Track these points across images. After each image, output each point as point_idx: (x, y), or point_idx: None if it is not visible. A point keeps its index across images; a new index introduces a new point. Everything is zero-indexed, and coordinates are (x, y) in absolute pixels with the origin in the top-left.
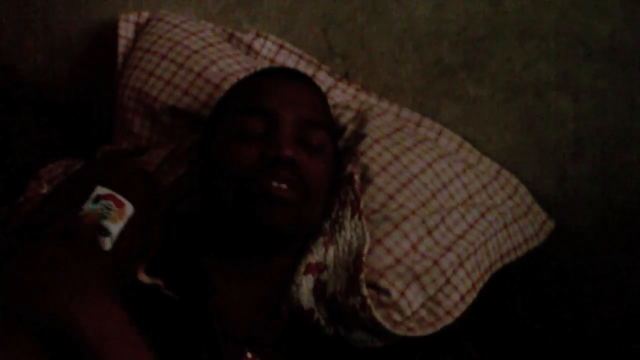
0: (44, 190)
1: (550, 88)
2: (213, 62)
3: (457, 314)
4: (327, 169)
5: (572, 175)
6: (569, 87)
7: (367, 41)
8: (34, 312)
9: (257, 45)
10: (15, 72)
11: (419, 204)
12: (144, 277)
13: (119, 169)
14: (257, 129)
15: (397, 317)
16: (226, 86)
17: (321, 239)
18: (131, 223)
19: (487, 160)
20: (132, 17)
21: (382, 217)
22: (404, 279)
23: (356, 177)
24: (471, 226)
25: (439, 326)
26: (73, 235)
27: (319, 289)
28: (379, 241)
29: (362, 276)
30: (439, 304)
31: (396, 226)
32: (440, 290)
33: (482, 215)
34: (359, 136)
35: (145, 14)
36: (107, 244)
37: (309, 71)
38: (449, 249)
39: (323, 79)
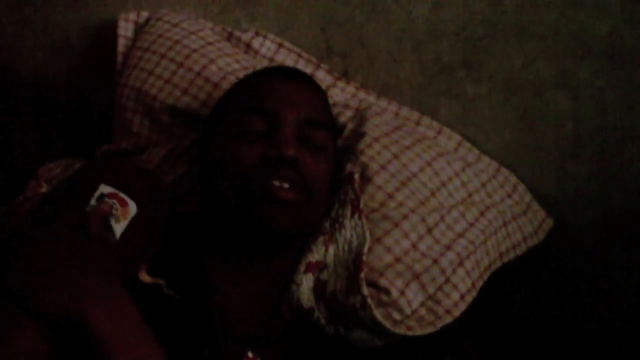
0: (43, 190)
1: (549, 87)
2: (212, 61)
3: (457, 313)
4: (329, 169)
5: (571, 174)
6: (568, 86)
7: (366, 40)
8: (44, 305)
9: (256, 44)
10: (14, 71)
11: (419, 203)
12: (145, 277)
13: (121, 167)
14: (258, 128)
15: (397, 316)
16: (225, 85)
17: (321, 238)
18: (134, 222)
19: (486, 159)
20: (132, 16)
21: (381, 215)
22: (404, 278)
23: (356, 176)
24: (471, 225)
25: (439, 325)
26: (83, 228)
27: (319, 288)
28: (378, 240)
29: (362, 275)
30: (438, 302)
31: (396, 225)
32: (440, 289)
33: (482, 214)
34: (358, 135)
35: (145, 14)
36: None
37: (308, 70)
38: (448, 248)
39: (322, 78)
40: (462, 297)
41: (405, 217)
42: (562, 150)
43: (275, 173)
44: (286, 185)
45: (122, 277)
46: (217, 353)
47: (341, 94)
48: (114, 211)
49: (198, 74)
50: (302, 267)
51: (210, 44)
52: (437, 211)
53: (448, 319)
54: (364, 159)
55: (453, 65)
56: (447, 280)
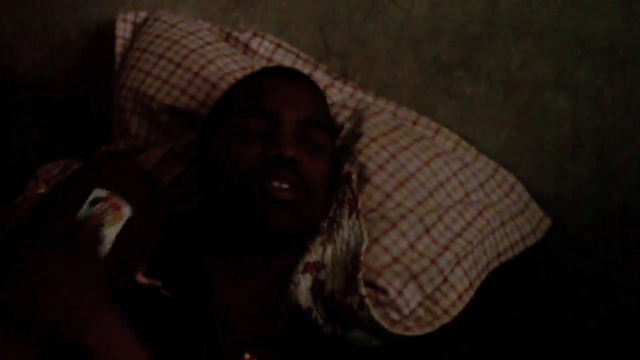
0: (42, 191)
1: (547, 86)
2: (211, 62)
3: (455, 313)
4: (327, 169)
5: (570, 174)
6: (567, 85)
7: (364, 40)
8: (37, 322)
9: (254, 44)
10: (14, 71)
11: (417, 203)
12: (142, 279)
13: (117, 169)
14: (257, 129)
15: (395, 316)
16: (224, 85)
17: (319, 239)
18: (130, 224)
19: (484, 159)
20: (130, 17)
21: (379, 216)
22: (402, 278)
23: (354, 176)
24: (469, 224)
25: (437, 325)
26: (73, 238)
27: (317, 288)
28: (376, 240)
29: (360, 275)
30: (436, 303)
31: (394, 225)
32: (438, 289)
33: (480, 214)
34: (356, 135)
35: (143, 14)
36: (103, 249)
37: (307, 70)
38: (446, 248)
39: (320, 78)
40: (460, 297)
41: (403, 217)
42: (560, 150)
43: (274, 173)
44: (285, 186)
45: (118, 280)
46: (217, 354)
47: (339, 94)
48: (106, 216)
49: (196, 74)
50: (301, 268)
51: (208, 44)
52: (435, 211)
53: (446, 319)
54: (362, 159)
55: (451, 65)
56: (445, 281)
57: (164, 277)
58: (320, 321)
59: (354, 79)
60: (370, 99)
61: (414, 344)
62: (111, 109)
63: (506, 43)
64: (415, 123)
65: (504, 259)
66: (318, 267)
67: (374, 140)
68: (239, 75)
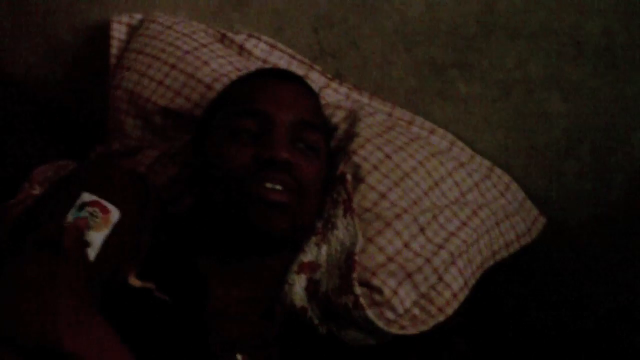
0: (36, 192)
1: (542, 86)
2: (205, 63)
3: (449, 311)
4: (321, 170)
5: (564, 173)
6: (560, 85)
7: (358, 41)
8: (16, 334)
9: (249, 45)
10: (8, 73)
11: (411, 202)
12: (134, 281)
13: (106, 173)
14: (250, 130)
15: (389, 315)
16: (218, 87)
17: (314, 238)
18: (118, 228)
19: (479, 158)
20: (125, 18)
21: (374, 215)
22: (397, 277)
23: (348, 176)
24: (463, 224)
25: (432, 324)
26: (57, 245)
27: (311, 288)
28: (371, 240)
29: (355, 275)
30: (431, 301)
31: (388, 224)
32: (432, 288)
33: (474, 213)
34: (350, 135)
35: (138, 16)
36: (91, 254)
37: (301, 71)
38: (441, 247)
39: (315, 79)
40: (455, 295)
41: (397, 216)
42: (555, 150)
43: (268, 175)
44: (278, 188)
45: (108, 283)
46: (209, 356)
47: (334, 95)
48: (95, 220)
49: (191, 75)
50: (295, 268)
51: (203, 45)
52: (430, 210)
53: (441, 318)
54: (356, 159)
55: (446, 65)
56: (440, 279)
57: (157, 279)
58: (315, 321)
59: (348, 80)
60: (365, 99)
61: (409, 343)
62: (106, 110)
63: (501, 43)
64: (410, 123)
65: (498, 257)
66: (312, 267)
67: (368, 140)
68: (234, 76)
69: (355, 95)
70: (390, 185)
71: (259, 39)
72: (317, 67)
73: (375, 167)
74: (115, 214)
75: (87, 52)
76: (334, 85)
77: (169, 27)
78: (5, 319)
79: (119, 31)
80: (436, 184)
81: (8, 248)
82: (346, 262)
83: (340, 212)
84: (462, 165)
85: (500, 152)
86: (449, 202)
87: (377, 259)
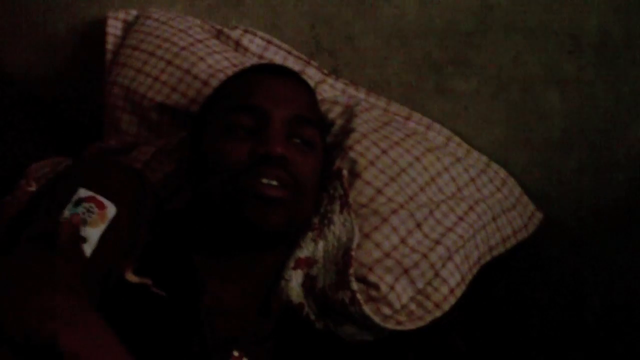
0: (32, 189)
1: (537, 82)
2: (201, 59)
3: (446, 307)
4: (317, 165)
5: (560, 168)
6: (557, 80)
7: (354, 37)
8: (11, 329)
9: (245, 41)
10: (2, 70)
11: (408, 198)
12: (131, 276)
13: (102, 168)
14: (246, 126)
15: (386, 311)
16: (214, 82)
17: (310, 234)
18: (115, 223)
19: (475, 153)
20: (121, 14)
21: (370, 211)
22: (393, 273)
23: (344, 172)
24: (460, 219)
25: (428, 319)
26: (52, 242)
27: (308, 283)
28: (367, 235)
29: (351, 271)
30: (428, 297)
31: (385, 220)
32: (429, 283)
33: (471, 208)
34: (347, 131)
35: (134, 12)
36: (87, 249)
37: (297, 67)
38: (437, 242)
39: (311, 75)
40: (452, 291)
41: (394, 212)
42: (551, 145)
43: (264, 171)
44: (274, 183)
45: (105, 279)
46: (205, 352)
47: (330, 91)
48: (91, 215)
49: (187, 71)
50: (291, 263)
51: (199, 41)
52: (426, 206)
53: (437, 313)
54: (352, 154)
55: (442, 61)
56: (437, 275)
57: (154, 274)
58: (312, 316)
59: (344, 76)
60: (361, 95)
61: (406, 338)
62: (102, 106)
63: (497, 39)
64: (406, 118)
65: (495, 253)
66: (309, 262)
67: (364, 135)
68: (230, 72)
69: (351, 91)
70: (387, 181)
71: (254, 34)
72: (314, 63)
73: (372, 163)
74: (111, 210)
75: (83, 48)
76: (330, 81)
77: (165, 23)
78: (1, 316)
79: (114, 27)
80: (432, 179)
81: (4, 244)
82: (343, 257)
83: (336, 207)
84: (458, 160)
85: (497, 148)
86: (446, 198)
87: (373, 255)
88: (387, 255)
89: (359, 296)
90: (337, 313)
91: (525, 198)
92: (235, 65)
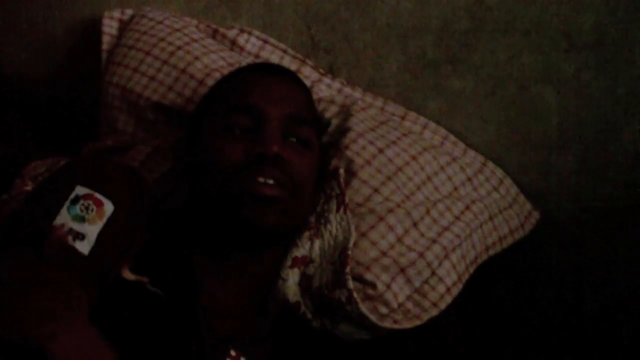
0: (28, 188)
1: (533, 81)
2: (197, 58)
3: (443, 305)
4: (313, 165)
5: (556, 167)
6: (553, 79)
7: (351, 36)
8: (5, 331)
9: (241, 40)
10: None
11: (404, 197)
12: (128, 274)
13: (100, 166)
14: (242, 125)
15: (383, 309)
16: (210, 82)
17: (307, 233)
18: (112, 221)
19: (472, 153)
20: (116, 14)
21: (367, 210)
22: (390, 272)
23: (341, 171)
24: (457, 218)
25: (425, 318)
26: (44, 245)
27: (305, 282)
28: (364, 234)
29: (348, 269)
30: (424, 296)
31: (381, 219)
32: (426, 282)
33: (468, 207)
34: (343, 130)
35: (129, 11)
36: (85, 247)
37: (294, 66)
38: (434, 241)
39: (308, 74)
40: (448, 290)
41: (390, 211)
42: (547, 144)
43: (260, 170)
44: (270, 182)
45: (102, 276)
46: (202, 351)
47: (327, 90)
48: (89, 213)
49: (183, 71)
50: (288, 262)
51: (195, 41)
52: (423, 205)
53: (434, 312)
54: (349, 153)
55: (438, 60)
56: (433, 274)
57: (151, 273)
58: (309, 315)
59: (340, 75)
60: (357, 94)
61: (403, 337)
62: (98, 105)
63: (493, 38)
64: (402, 118)
65: (492, 252)
66: (306, 261)
67: (361, 135)
68: (226, 71)
69: (348, 90)
70: (383, 180)
71: (250, 34)
72: (310, 62)
73: (368, 162)
74: (109, 207)
75: (77, 47)
76: (327, 80)
77: (160, 22)
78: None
79: (110, 27)
80: (429, 178)
81: (1, 243)
82: (339, 256)
83: (333, 206)
84: (455, 159)
85: (493, 147)
86: (442, 197)
87: (370, 254)
88: (384, 254)
89: (355, 295)
90: (334, 312)
91: (521, 197)
92: (231, 65)
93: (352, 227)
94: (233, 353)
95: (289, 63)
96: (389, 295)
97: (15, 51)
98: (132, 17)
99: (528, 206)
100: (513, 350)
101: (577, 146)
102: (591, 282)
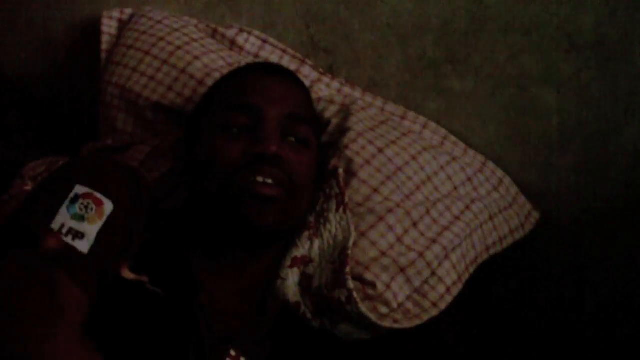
0: (28, 188)
1: (533, 81)
2: (197, 58)
3: (443, 305)
4: (312, 164)
5: (556, 167)
6: (553, 80)
7: (350, 35)
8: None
9: (240, 40)
10: None
11: (404, 197)
12: (128, 274)
13: (99, 165)
14: (241, 125)
15: (383, 309)
16: (210, 82)
17: (306, 233)
18: (112, 220)
19: (471, 153)
20: (116, 13)
21: (366, 210)
22: (390, 272)
23: (340, 170)
24: (456, 218)
25: (425, 318)
26: (39, 249)
27: (304, 282)
28: (363, 234)
29: (348, 269)
30: (424, 295)
31: (381, 219)
32: (425, 282)
33: (468, 207)
34: (343, 130)
35: (129, 11)
36: (85, 246)
37: (293, 66)
38: (434, 241)
39: (307, 74)
40: (448, 290)
41: (390, 210)
42: (547, 144)
43: (258, 169)
44: (269, 181)
45: (101, 275)
46: (202, 351)
47: (326, 90)
48: (89, 212)
49: (182, 70)
50: (288, 262)
51: (194, 40)
52: (423, 205)
53: (434, 312)
54: (348, 153)
55: (438, 60)
56: (433, 274)
57: (150, 273)
58: (309, 315)
59: (340, 75)
60: (357, 94)
61: (403, 337)
62: (97, 105)
63: (493, 38)
64: (402, 118)
65: (492, 252)
66: (305, 261)
67: (360, 134)
68: (225, 71)
69: (347, 89)
70: (383, 180)
71: (250, 33)
72: (309, 62)
73: (368, 162)
74: (108, 206)
75: (77, 47)
76: (326, 79)
77: (160, 22)
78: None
79: (109, 26)
80: (429, 178)
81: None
82: (339, 256)
83: (333, 206)
84: (455, 159)
85: (494, 147)
86: (442, 197)
87: (370, 254)
88: (384, 253)
89: (355, 295)
90: (334, 312)
91: (522, 197)
92: (230, 65)
93: (352, 227)
94: (233, 353)
95: (289, 63)
96: (388, 295)
97: (15, 51)
98: (132, 16)
99: (528, 206)
100: (513, 350)
101: (577, 146)
102: (591, 282)
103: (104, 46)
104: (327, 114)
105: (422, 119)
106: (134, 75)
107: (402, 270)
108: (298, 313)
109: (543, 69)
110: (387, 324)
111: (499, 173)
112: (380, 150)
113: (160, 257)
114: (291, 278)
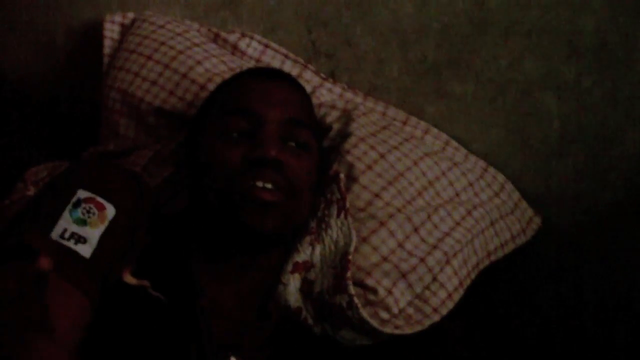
0: (30, 193)
1: (535, 86)
2: (199, 63)
3: (444, 311)
4: (312, 168)
5: (558, 172)
6: (554, 84)
7: (352, 40)
8: None
9: (242, 45)
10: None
11: (405, 202)
12: (129, 278)
13: (101, 170)
14: (241, 129)
15: (384, 315)
16: (212, 86)
17: (307, 238)
18: (114, 224)
19: (473, 158)
20: (118, 18)
21: (368, 215)
22: (391, 277)
23: (342, 175)
24: (458, 224)
25: (427, 324)
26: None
27: (306, 287)
28: (365, 239)
29: (349, 275)
30: (426, 301)
31: (382, 224)
32: (427, 287)
33: (469, 213)
34: (344, 135)
35: (131, 15)
36: (87, 250)
37: (295, 71)
38: (435, 247)
39: (309, 79)
40: (450, 295)
41: (391, 216)
42: (548, 149)
43: (258, 174)
44: (269, 186)
45: (103, 280)
46: (203, 357)
47: (328, 95)
48: (91, 216)
49: (184, 75)
50: (289, 267)
51: (196, 45)
52: (424, 210)
53: (436, 318)
54: (349, 158)
55: (439, 64)
56: (435, 279)
57: (152, 277)
58: (310, 321)
59: (342, 79)
60: (359, 99)
61: (404, 343)
62: (98, 107)
63: (494, 42)
64: (404, 123)
65: (494, 258)
66: (307, 266)
67: (362, 139)
68: (227, 76)
69: (349, 94)
70: (384, 185)
71: (252, 38)
72: (311, 67)
73: (369, 167)
74: (110, 211)
75: (79, 51)
76: (328, 84)
77: (162, 27)
78: None
79: (111, 31)
80: (430, 183)
81: (3, 248)
82: (340, 261)
83: (334, 211)
84: (456, 165)
85: (495, 152)
86: (443, 202)
87: (371, 259)
88: (385, 259)
89: (356, 300)
90: (335, 317)
91: (523, 203)
92: (232, 69)
93: (353, 232)
94: (233, 358)
95: (290, 68)
96: (390, 301)
97: (15, 53)
98: (134, 21)
99: (530, 212)
100: (514, 354)
101: (578, 151)
102: (592, 287)
103: (107, 50)
104: (329, 119)
105: (423, 124)
106: (136, 80)
107: (404, 275)
108: (299, 319)
109: (544, 73)
110: (388, 329)
111: (501, 179)
112: (382, 156)
113: (162, 261)
114: (292, 283)
